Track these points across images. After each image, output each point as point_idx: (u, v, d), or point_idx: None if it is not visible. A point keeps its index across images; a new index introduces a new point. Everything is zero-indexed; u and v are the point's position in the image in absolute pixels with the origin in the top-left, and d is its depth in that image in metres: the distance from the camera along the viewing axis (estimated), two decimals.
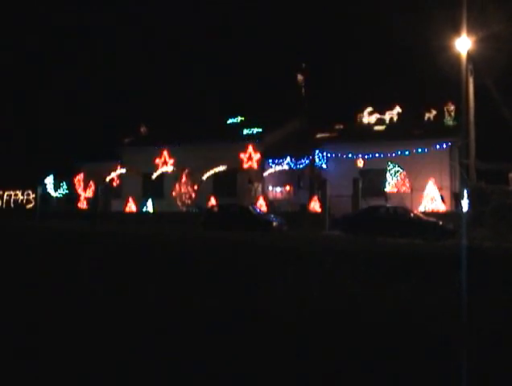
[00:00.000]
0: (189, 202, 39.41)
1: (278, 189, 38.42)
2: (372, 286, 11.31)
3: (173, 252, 17.27)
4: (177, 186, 39.86)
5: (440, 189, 32.89)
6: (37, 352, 7.61)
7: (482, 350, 7.41)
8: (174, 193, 39.84)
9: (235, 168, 38.59)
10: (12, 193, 45.73)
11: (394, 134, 35.16)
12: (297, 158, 37.36)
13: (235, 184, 39.11)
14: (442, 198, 32.53)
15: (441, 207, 32.16)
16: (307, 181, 37.77)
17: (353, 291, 10.92)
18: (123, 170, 42.50)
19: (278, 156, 37.87)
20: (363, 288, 11.19)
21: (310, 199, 35.20)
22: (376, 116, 38.18)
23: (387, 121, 37.89)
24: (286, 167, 37.37)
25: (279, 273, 12.95)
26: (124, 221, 36.26)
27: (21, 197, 45.18)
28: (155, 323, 8.88)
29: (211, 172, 38.90)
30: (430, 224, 26.31)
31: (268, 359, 7.23)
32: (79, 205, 44.32)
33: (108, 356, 7.44)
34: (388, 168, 33.80)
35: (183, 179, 39.87)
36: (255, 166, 38.62)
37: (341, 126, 39.25)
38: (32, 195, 44.56)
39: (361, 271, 13.05)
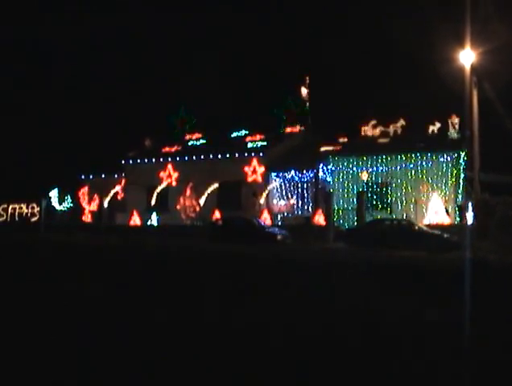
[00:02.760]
0: (193, 215, 39.38)
1: (283, 202, 38.36)
2: (375, 299, 11.25)
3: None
4: (181, 199, 39.85)
5: (445, 201, 32.79)
6: None
7: (486, 362, 7.35)
8: (178, 206, 39.84)
9: (239, 181, 38.66)
10: (17, 206, 45.79)
11: (398, 147, 35.07)
12: (301, 171, 37.36)
13: (239, 197, 39.09)
14: (446, 210, 32.42)
15: (445, 220, 32.04)
16: (311, 194, 37.71)
17: (358, 304, 10.87)
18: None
19: (283, 169, 37.89)
20: (367, 301, 11.14)
21: (314, 212, 35.15)
22: (380, 129, 38.06)
23: (391, 134, 37.77)
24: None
25: (282, 286, 12.91)
26: (128, 234, 36.15)
27: (25, 210, 45.23)
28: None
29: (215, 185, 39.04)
30: (434, 237, 26.19)
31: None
32: (83, 218, 44.34)
33: None
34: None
35: (188, 193, 39.87)
36: (259, 179, 38.62)
37: (345, 139, 39.15)
38: (37, 209, 44.59)
39: (364, 284, 13.00)
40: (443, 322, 9.33)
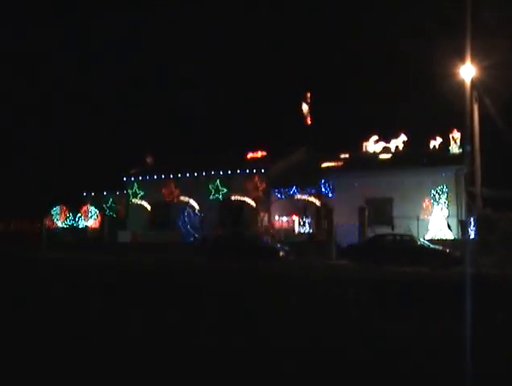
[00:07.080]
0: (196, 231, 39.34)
1: (285, 218, 38.29)
2: (378, 316, 11.20)
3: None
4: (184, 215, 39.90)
5: (446, 217, 32.71)
6: None
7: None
8: (181, 223, 39.89)
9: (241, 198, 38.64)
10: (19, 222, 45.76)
11: (400, 162, 35.08)
12: (303, 187, 37.32)
13: (241, 214, 39.04)
14: (448, 225, 32.35)
15: (448, 235, 31.96)
16: (313, 210, 37.66)
17: (361, 323, 10.81)
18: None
19: (284, 186, 37.87)
20: (369, 318, 11.08)
21: (316, 228, 35.09)
22: (381, 144, 38.10)
23: (393, 150, 37.78)
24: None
25: (284, 302, 12.85)
26: (128, 251, 36.02)
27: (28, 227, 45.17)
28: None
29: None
30: (437, 252, 26.13)
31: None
32: (84, 235, 44.22)
33: None
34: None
35: (189, 209, 39.91)
36: (261, 195, 38.59)
37: (347, 155, 39.16)
38: (39, 225, 44.50)
39: (367, 301, 12.94)
40: (446, 338, 9.26)
